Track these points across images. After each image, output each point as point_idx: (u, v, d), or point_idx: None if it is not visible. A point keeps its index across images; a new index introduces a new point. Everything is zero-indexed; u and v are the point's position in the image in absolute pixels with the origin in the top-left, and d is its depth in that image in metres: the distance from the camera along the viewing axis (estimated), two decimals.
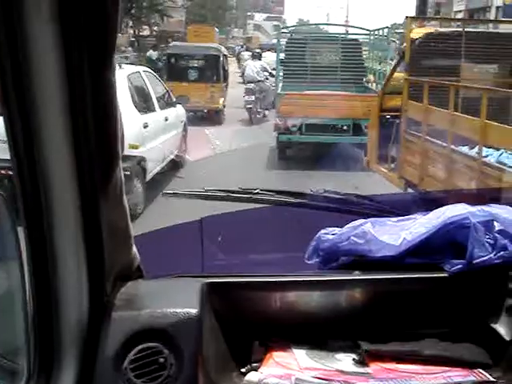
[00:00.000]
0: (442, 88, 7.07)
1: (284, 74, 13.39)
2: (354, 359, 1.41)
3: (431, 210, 1.63)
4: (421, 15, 18.57)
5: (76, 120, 1.11)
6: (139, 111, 9.12)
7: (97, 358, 1.22)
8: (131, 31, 34.41)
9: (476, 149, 6.28)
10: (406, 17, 8.39)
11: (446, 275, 1.50)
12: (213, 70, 17.90)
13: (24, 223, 1.17)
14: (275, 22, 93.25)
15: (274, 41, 20.50)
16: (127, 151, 7.60)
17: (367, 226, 1.65)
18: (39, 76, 1.07)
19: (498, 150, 6.28)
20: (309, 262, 1.73)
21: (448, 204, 1.62)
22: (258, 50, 22.20)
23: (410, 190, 7.62)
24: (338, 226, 1.73)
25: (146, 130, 9.01)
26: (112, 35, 1.12)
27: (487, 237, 1.50)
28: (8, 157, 1.12)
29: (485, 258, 1.47)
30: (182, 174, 10.33)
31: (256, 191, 2.02)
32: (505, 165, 5.91)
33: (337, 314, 1.50)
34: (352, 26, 15.30)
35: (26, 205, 1.16)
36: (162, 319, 1.26)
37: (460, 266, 1.49)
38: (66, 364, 1.22)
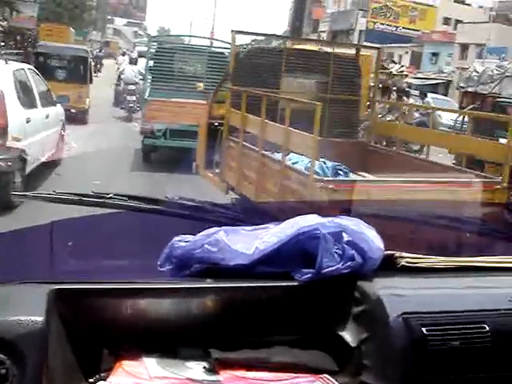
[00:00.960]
0: (260, 98, 7.38)
1: (152, 81, 13.60)
2: (204, 367, 1.41)
3: (284, 220, 1.67)
4: (296, 31, 19.41)
5: None
6: (23, 106, 9.31)
7: None
8: None
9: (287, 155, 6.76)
10: (232, 31, 8.65)
11: (296, 284, 1.54)
12: (81, 70, 18.44)
13: None
14: (136, 28, 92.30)
15: (139, 48, 23.06)
16: (10, 143, 8.34)
17: (220, 234, 1.66)
18: None
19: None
20: (162, 269, 1.71)
21: (302, 214, 1.66)
22: (134, 56, 24.64)
23: (231, 193, 8.05)
24: (191, 234, 1.73)
25: (28, 125, 9.23)
26: None
27: (336, 247, 1.56)
28: None
29: (333, 268, 1.53)
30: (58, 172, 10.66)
31: (109, 196, 1.98)
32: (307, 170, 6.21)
33: (188, 322, 1.50)
34: (220, 40, 15.48)
35: None
36: (3, 327, 1.21)
37: (309, 275, 1.53)
38: None
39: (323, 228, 1.58)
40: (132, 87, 20.23)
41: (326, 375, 1.44)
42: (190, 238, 1.72)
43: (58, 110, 11.86)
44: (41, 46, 19.86)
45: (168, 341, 1.46)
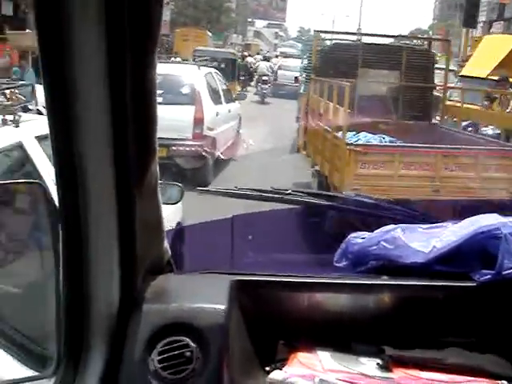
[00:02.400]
0: (337, 86, 8.67)
1: (305, 78, 14.43)
2: (377, 364, 1.41)
3: (462, 219, 1.63)
4: (471, 20, 19.96)
5: (116, 118, 1.13)
6: (213, 102, 11.74)
7: (124, 349, 1.24)
8: None
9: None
10: (314, 31, 11.15)
11: (474, 284, 1.49)
12: (230, 69, 22.49)
13: (60, 215, 1.19)
14: (276, 30, 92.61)
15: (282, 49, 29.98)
16: (205, 132, 10.92)
17: (397, 231, 1.65)
18: (81, 77, 1.08)
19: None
20: (337, 265, 1.73)
21: (480, 213, 1.61)
22: (267, 55, 34.31)
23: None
24: (367, 231, 1.73)
25: (217, 118, 11.78)
26: (154, 34, 1.13)
27: None
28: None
29: None
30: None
31: (288, 192, 2.02)
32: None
33: (363, 318, 1.50)
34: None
35: (63, 197, 1.18)
36: (190, 314, 1.28)
37: (489, 277, 1.48)
38: (94, 353, 1.24)
39: (505, 228, 1.52)
40: (265, 78, 27.07)
41: (505, 382, 1.38)
42: (366, 234, 1.73)
43: (236, 106, 14.25)
44: (197, 51, 24.03)
45: (342, 335, 1.47)
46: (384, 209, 1.98)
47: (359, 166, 7.43)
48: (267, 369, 1.40)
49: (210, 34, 34.47)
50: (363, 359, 1.42)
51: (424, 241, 1.60)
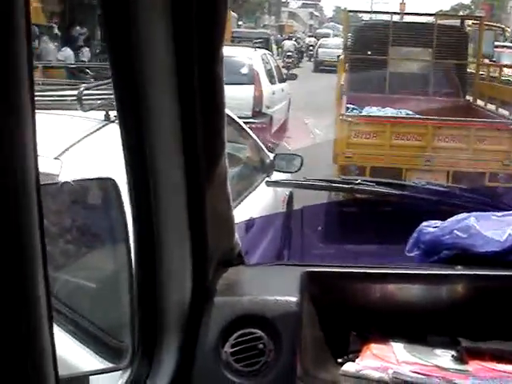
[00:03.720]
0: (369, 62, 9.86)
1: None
2: (452, 356, 1.38)
3: None
4: None
5: (185, 110, 1.14)
6: (269, 82, 12.46)
7: (198, 341, 1.25)
8: None
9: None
10: (345, 10, 12.20)
11: None
12: (265, 47, 22.68)
13: (132, 208, 1.21)
14: (311, 9, 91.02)
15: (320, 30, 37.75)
16: (264, 110, 11.58)
17: (471, 219, 1.62)
18: (150, 71, 1.10)
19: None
20: (409, 255, 1.71)
21: None
22: (291, 35, 43.30)
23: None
24: (439, 219, 1.70)
25: (273, 96, 12.45)
26: (220, 29, 1.14)
27: None
28: None
29: None
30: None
31: (357, 181, 2.01)
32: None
33: (436, 309, 1.48)
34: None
35: (135, 190, 1.20)
36: (262, 306, 1.28)
37: None
38: (168, 345, 1.26)
39: None
40: (289, 53, 32.51)
41: None
42: (438, 223, 1.69)
43: (286, 86, 14.48)
44: (236, 32, 25.60)
45: (415, 326, 1.45)
46: (455, 196, 1.94)
47: (352, 135, 7.89)
48: (340, 361, 1.39)
49: (235, 15, 35.39)
50: (438, 351, 1.40)
51: (499, 229, 1.56)
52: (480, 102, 10.47)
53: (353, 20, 12.17)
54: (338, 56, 19.34)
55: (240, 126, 4.82)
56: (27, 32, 0.60)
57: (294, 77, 17.40)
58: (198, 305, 1.29)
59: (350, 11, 12.75)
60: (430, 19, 12.61)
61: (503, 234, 1.53)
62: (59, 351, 0.68)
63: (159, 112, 1.14)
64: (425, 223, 1.71)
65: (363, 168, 7.59)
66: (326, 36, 44.65)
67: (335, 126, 8.45)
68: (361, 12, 17.47)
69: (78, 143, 2.47)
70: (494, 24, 17.27)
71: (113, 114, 2.64)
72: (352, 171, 7.58)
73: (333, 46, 32.30)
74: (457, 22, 11.83)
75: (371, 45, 10.34)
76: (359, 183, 2.00)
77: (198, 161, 1.20)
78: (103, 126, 2.73)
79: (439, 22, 11.06)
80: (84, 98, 2.78)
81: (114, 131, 1.85)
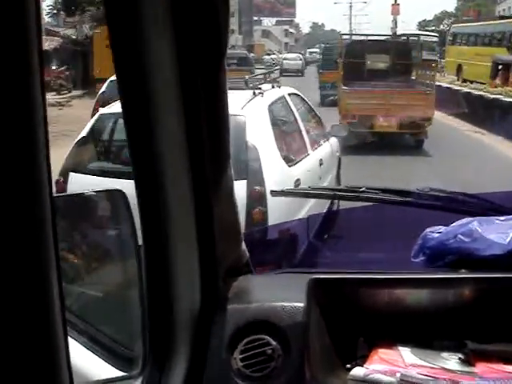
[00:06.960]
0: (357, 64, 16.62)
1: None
2: (459, 358, 1.39)
3: None
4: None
5: (190, 121, 1.16)
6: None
7: (208, 348, 1.27)
8: None
9: None
10: (339, 34, 21.95)
11: None
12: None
13: (141, 219, 1.23)
14: (286, 26, 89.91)
15: (311, 49, 57.66)
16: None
17: (474, 224, 1.64)
18: (155, 83, 1.12)
19: None
20: (415, 260, 1.72)
21: None
22: (269, 51, 59.65)
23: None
24: (443, 225, 1.72)
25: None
26: (223, 37, 1.15)
27: None
28: None
29: None
30: None
31: (362, 189, 2.02)
32: None
33: (443, 312, 1.49)
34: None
35: (143, 202, 1.22)
36: (270, 312, 1.30)
37: None
38: (179, 353, 1.28)
39: None
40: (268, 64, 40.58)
41: None
42: (442, 228, 1.71)
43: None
44: None
45: (422, 330, 1.46)
46: (459, 202, 1.96)
47: (348, 99, 15.06)
48: (348, 366, 1.41)
49: None
50: (445, 354, 1.41)
51: (502, 232, 1.58)
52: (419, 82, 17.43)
53: (345, 39, 19.06)
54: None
55: (310, 105, 8.18)
56: (38, 35, 0.61)
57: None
58: (208, 313, 1.31)
59: (343, 34, 21.84)
60: (389, 38, 22.18)
61: (506, 237, 1.55)
62: (73, 361, 0.70)
63: (165, 123, 1.15)
64: (429, 229, 1.73)
65: (354, 116, 14.53)
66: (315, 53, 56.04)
67: (338, 95, 16.26)
68: (349, 35, 26.40)
69: (247, 103, 5.88)
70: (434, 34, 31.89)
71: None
72: (349, 117, 14.41)
73: (291, 59, 50.25)
74: (407, 39, 20.15)
75: (356, 53, 16.68)
76: (364, 191, 2.02)
77: (205, 172, 1.22)
78: (253, 98, 6.08)
79: (394, 39, 21.19)
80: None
81: (257, 99, 6.10)
